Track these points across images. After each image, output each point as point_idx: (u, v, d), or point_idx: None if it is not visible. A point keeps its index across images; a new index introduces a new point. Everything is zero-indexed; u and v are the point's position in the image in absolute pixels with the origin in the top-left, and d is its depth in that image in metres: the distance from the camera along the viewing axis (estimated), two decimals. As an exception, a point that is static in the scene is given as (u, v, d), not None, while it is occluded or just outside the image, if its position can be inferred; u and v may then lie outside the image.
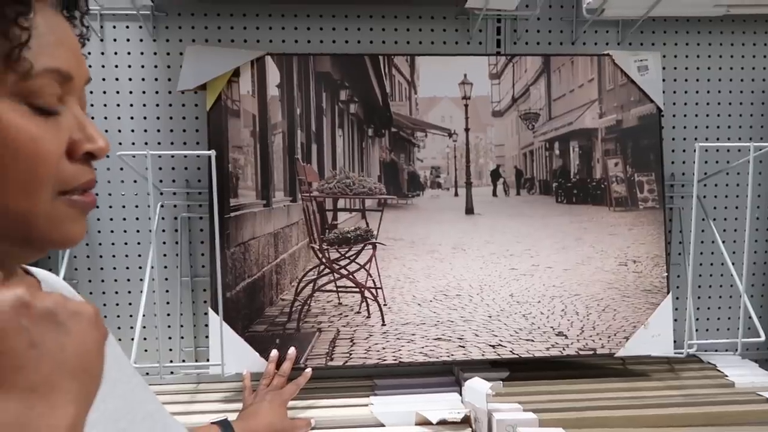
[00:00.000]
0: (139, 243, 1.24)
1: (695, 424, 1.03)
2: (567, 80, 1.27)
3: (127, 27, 1.23)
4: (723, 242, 1.26)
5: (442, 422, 1.02)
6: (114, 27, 1.22)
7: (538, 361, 1.21)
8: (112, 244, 1.24)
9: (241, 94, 1.18)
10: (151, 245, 1.09)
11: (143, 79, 1.24)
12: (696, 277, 1.24)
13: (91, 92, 1.21)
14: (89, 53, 1.21)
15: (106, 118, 1.22)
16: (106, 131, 1.21)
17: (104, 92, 1.23)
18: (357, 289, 1.20)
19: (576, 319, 1.22)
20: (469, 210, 1.25)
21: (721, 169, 1.28)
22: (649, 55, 1.27)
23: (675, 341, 1.23)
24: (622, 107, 1.27)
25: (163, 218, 1.22)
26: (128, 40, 1.23)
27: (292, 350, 1.11)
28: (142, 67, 1.23)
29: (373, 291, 1.20)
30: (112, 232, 1.24)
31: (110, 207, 1.23)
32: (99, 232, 1.24)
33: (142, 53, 1.23)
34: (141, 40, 1.23)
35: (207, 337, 1.18)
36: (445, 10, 1.28)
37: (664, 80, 1.29)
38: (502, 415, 1.01)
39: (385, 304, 1.20)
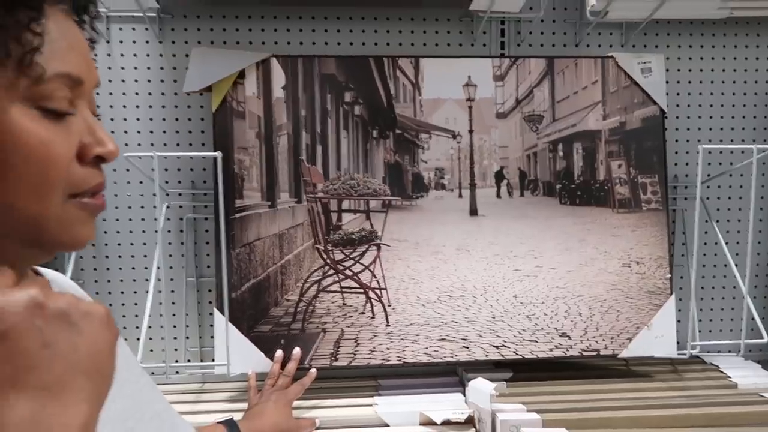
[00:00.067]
0: (144, 243, 1.25)
1: (698, 425, 1.03)
2: (571, 82, 1.27)
3: (133, 29, 1.24)
4: (726, 244, 1.26)
5: (446, 422, 1.02)
6: (120, 29, 1.23)
7: (541, 362, 1.22)
8: (118, 244, 1.25)
9: (247, 95, 1.18)
10: (158, 246, 1.10)
11: (149, 81, 1.24)
12: (699, 278, 1.25)
13: (98, 93, 1.22)
14: (95, 55, 1.21)
15: (112, 119, 1.23)
16: (113, 132, 1.22)
17: (110, 93, 1.24)
18: (361, 290, 1.21)
19: (579, 320, 1.22)
20: (473, 211, 1.26)
21: (724, 170, 1.29)
22: (652, 57, 1.27)
23: (678, 342, 1.23)
24: (626, 109, 1.27)
25: (168, 219, 1.23)
26: (134, 42, 1.24)
27: (296, 350, 1.12)
28: (148, 68, 1.24)
29: (378, 292, 1.21)
30: (118, 232, 1.25)
31: (116, 208, 1.24)
32: (105, 232, 1.24)
33: (148, 55, 1.24)
34: (147, 42, 1.24)
35: (212, 337, 1.18)
36: (449, 13, 1.28)
37: (667, 82, 1.29)
38: (505, 415, 1.02)
39: (389, 305, 1.21)
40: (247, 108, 1.18)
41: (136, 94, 1.24)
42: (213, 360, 1.16)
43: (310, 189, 1.21)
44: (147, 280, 1.15)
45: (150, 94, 1.25)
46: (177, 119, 1.25)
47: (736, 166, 1.26)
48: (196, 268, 1.26)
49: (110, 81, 1.23)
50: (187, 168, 1.26)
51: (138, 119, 1.25)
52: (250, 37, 1.26)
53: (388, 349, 1.19)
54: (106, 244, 1.25)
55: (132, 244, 1.25)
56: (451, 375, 1.26)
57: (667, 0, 1.15)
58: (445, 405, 1.08)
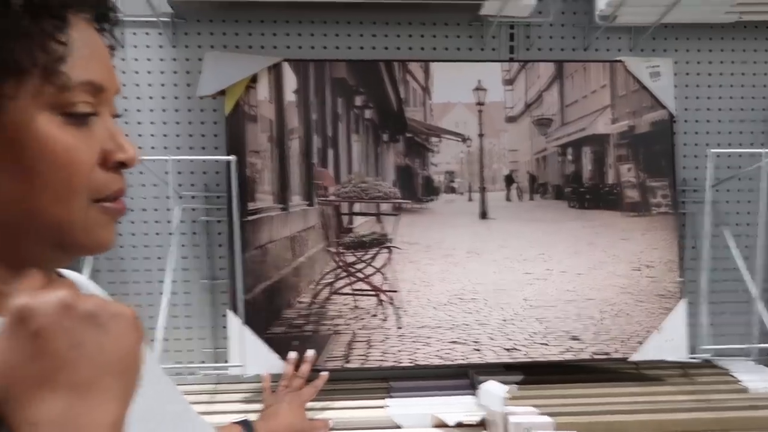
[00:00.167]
0: (159, 246, 1.26)
1: (709, 429, 1.03)
2: (580, 86, 1.28)
3: (147, 34, 1.25)
4: (736, 247, 1.26)
5: (459, 425, 1.03)
6: (134, 34, 1.24)
7: (552, 365, 1.22)
8: (133, 246, 1.26)
9: (259, 99, 1.19)
10: (172, 248, 1.11)
11: (163, 85, 1.26)
12: (709, 282, 1.25)
13: (112, 97, 1.23)
14: (110, 59, 1.22)
15: (126, 123, 1.24)
16: (126, 136, 1.23)
17: (125, 97, 1.25)
18: (373, 293, 1.21)
19: (590, 324, 1.23)
20: (483, 214, 1.26)
21: (734, 174, 1.29)
22: (661, 61, 1.28)
23: (689, 346, 1.23)
24: (635, 113, 1.28)
25: (182, 221, 1.24)
26: (148, 46, 1.25)
27: (310, 352, 1.12)
28: (162, 73, 1.25)
29: (389, 294, 1.21)
30: (133, 234, 1.26)
31: (131, 210, 1.25)
32: (120, 234, 1.25)
33: (161, 59, 1.25)
34: (161, 47, 1.25)
35: (225, 338, 1.19)
36: (459, 17, 1.29)
37: (676, 86, 1.30)
38: (517, 418, 1.02)
39: (400, 308, 1.21)
40: (260, 112, 1.20)
41: (150, 98, 1.25)
42: (227, 361, 1.17)
43: (322, 192, 1.21)
44: (161, 281, 1.15)
45: (164, 98, 1.26)
46: (190, 123, 1.26)
47: (745, 170, 1.26)
48: (209, 270, 1.27)
49: (124, 85, 1.24)
50: (200, 171, 1.27)
51: (152, 123, 1.26)
52: (262, 41, 1.27)
53: (399, 351, 1.19)
54: (121, 246, 1.26)
55: (146, 246, 1.26)
56: (462, 377, 1.26)
57: (675, 4, 1.16)
58: (457, 407, 1.09)
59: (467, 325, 1.21)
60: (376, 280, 1.22)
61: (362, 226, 1.23)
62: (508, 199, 1.28)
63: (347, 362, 1.17)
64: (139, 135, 1.25)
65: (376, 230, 1.23)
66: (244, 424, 0.87)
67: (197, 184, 1.27)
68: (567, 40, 1.33)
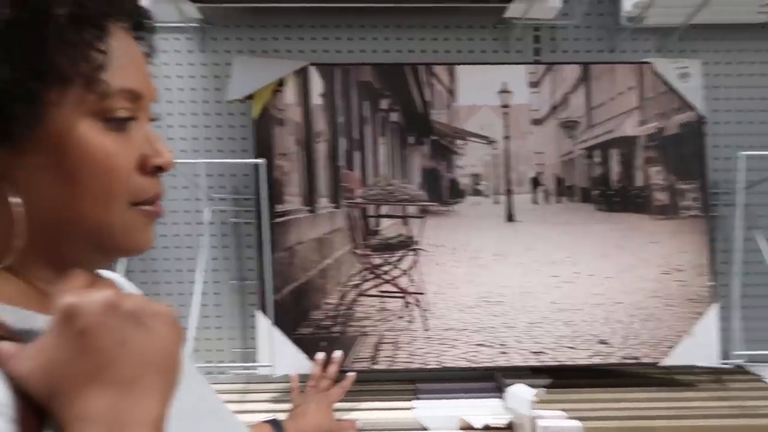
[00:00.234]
0: (189, 247, 1.28)
1: (742, 436, 1.02)
2: (606, 88, 1.27)
3: (177, 39, 1.27)
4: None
5: (486, 428, 1.03)
6: (164, 39, 1.27)
7: (579, 369, 1.21)
8: (164, 247, 1.28)
9: (286, 103, 1.21)
10: (203, 250, 1.12)
11: (192, 89, 1.28)
12: (742, 286, 1.22)
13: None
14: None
15: (157, 127, 1.26)
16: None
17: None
18: (400, 295, 1.22)
19: (619, 327, 1.21)
20: (510, 217, 1.26)
21: (766, 177, 1.27)
22: (689, 62, 1.26)
23: (721, 351, 1.21)
24: (663, 115, 1.26)
25: (212, 223, 1.26)
26: (177, 51, 1.27)
27: (337, 353, 1.13)
28: (191, 77, 1.28)
29: (416, 296, 1.22)
30: (164, 236, 1.28)
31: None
32: (149, 237, 1.27)
33: (191, 64, 1.27)
34: (190, 52, 1.27)
35: (253, 338, 1.20)
36: (484, 20, 1.30)
37: (705, 88, 1.28)
38: (546, 422, 1.01)
39: (427, 310, 1.21)
40: (287, 115, 1.21)
41: (180, 102, 1.28)
42: (255, 361, 1.18)
43: (349, 194, 1.22)
44: (192, 282, 1.17)
45: (193, 102, 1.28)
46: (219, 126, 1.28)
47: (777, 172, 1.24)
48: (238, 271, 1.29)
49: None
50: (229, 174, 1.28)
51: (181, 126, 1.28)
52: (288, 45, 1.28)
53: (426, 353, 1.19)
54: (153, 247, 1.27)
55: (177, 247, 1.28)
56: (488, 380, 1.25)
57: (705, 5, 1.15)
58: (484, 410, 1.08)
59: (494, 327, 1.21)
60: (403, 282, 1.22)
61: (388, 228, 1.24)
62: (534, 201, 1.27)
63: (374, 363, 1.18)
64: (169, 138, 1.27)
65: (402, 232, 1.23)
66: (274, 423, 0.88)
67: (226, 186, 1.29)
68: (592, 42, 1.32)
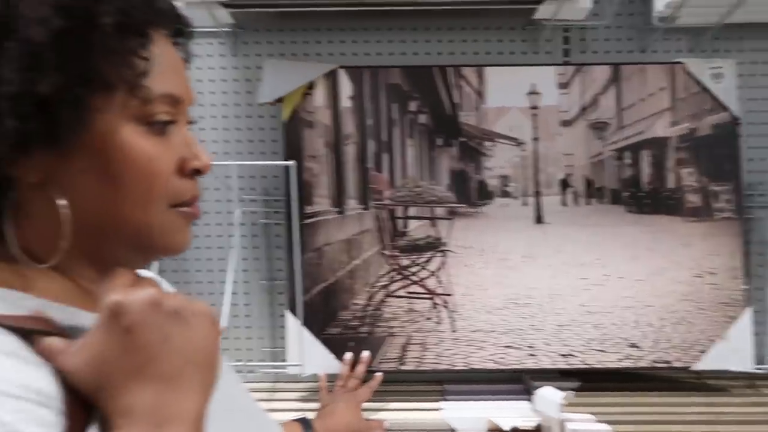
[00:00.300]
0: (220, 247, 1.30)
1: (779, 443, 1.00)
2: (637, 89, 1.25)
3: (210, 43, 1.30)
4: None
5: (515, 430, 1.02)
6: (198, 44, 1.29)
7: (608, 373, 1.19)
8: (196, 247, 1.30)
9: (316, 105, 1.22)
10: (233, 250, 1.14)
11: (224, 92, 1.30)
12: (777, 290, 1.20)
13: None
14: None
15: (189, 129, 1.29)
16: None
17: (188, 105, 1.30)
18: (428, 296, 1.22)
19: (649, 331, 1.20)
20: (539, 219, 1.25)
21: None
22: (723, 62, 1.24)
23: (755, 356, 1.19)
24: (696, 116, 1.24)
25: (242, 224, 1.28)
26: (210, 55, 1.30)
27: (366, 354, 1.14)
28: (223, 80, 1.30)
29: (444, 298, 1.22)
30: (196, 236, 1.30)
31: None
32: (183, 237, 1.30)
33: (223, 68, 1.30)
34: (222, 56, 1.30)
35: (282, 338, 1.22)
36: (513, 22, 1.29)
37: (739, 88, 1.25)
38: (575, 425, 1.01)
39: (455, 311, 1.21)
40: (316, 118, 1.22)
41: (212, 105, 1.30)
42: (284, 360, 1.19)
43: (377, 196, 1.23)
44: (222, 282, 1.19)
45: (225, 105, 1.30)
46: (250, 129, 1.31)
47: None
48: (268, 271, 1.31)
49: (191, 94, 1.29)
50: (259, 175, 1.31)
51: (213, 129, 1.31)
52: (318, 49, 1.30)
53: (453, 354, 1.20)
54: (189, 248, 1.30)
55: (208, 247, 1.31)
56: (516, 382, 1.25)
57: (740, 4, 1.13)
58: (511, 412, 1.08)
59: (522, 329, 1.21)
60: (431, 283, 1.22)
61: (417, 229, 1.24)
62: (563, 203, 1.26)
63: (402, 364, 1.19)
64: (202, 141, 1.30)
65: (430, 234, 1.24)
66: (303, 421, 0.89)
67: (257, 188, 1.31)
68: (623, 42, 1.30)
